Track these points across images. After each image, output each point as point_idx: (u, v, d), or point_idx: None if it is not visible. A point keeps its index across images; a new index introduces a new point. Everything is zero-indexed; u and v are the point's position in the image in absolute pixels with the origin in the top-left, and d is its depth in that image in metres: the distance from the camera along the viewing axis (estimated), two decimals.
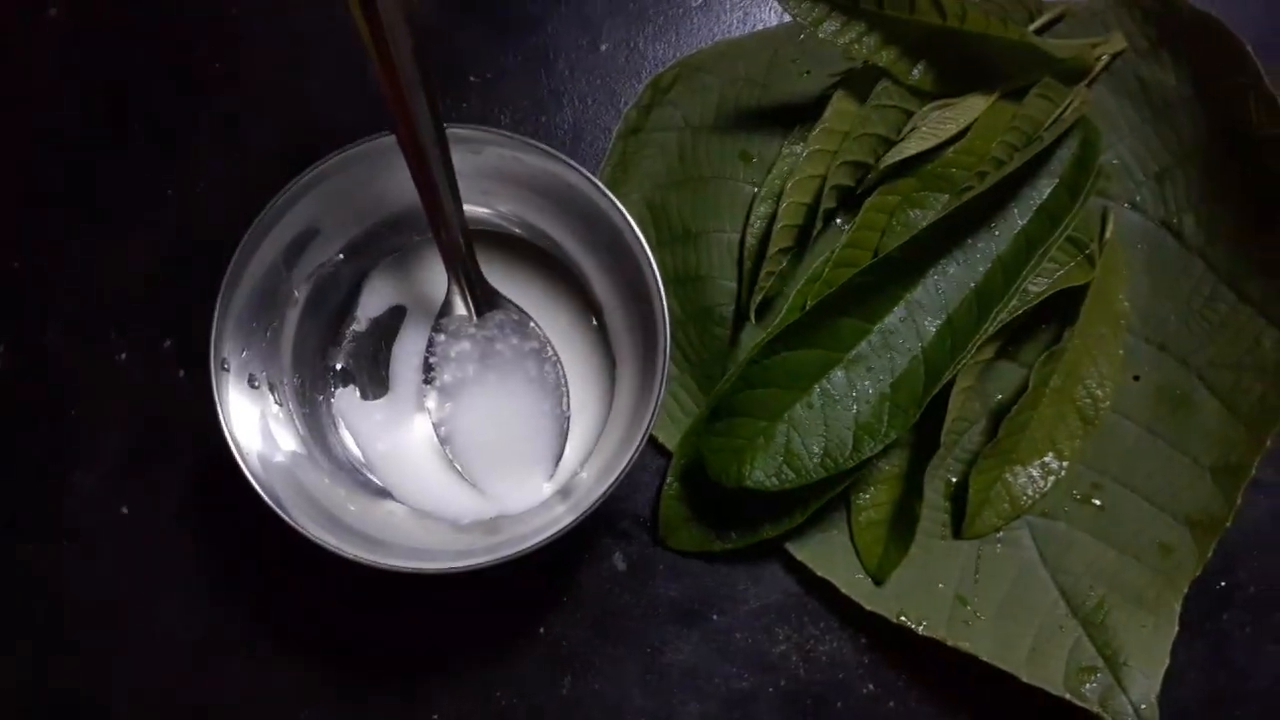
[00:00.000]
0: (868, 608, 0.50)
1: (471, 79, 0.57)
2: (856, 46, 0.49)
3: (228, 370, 0.45)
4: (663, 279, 0.44)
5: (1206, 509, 0.49)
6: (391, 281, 0.53)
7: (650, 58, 0.57)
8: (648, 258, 0.45)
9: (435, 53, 0.57)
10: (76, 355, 0.55)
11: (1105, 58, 0.52)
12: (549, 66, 0.57)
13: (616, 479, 0.43)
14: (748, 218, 0.52)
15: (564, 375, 0.51)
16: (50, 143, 0.58)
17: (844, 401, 0.48)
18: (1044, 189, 0.50)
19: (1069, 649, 0.49)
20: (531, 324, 0.51)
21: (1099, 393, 0.51)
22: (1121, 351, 0.52)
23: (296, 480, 0.46)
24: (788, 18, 0.50)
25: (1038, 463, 0.51)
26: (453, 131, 0.43)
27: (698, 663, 0.52)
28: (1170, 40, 0.51)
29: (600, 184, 0.45)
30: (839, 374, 0.48)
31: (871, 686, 0.52)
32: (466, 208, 0.46)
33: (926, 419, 0.48)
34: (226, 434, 0.44)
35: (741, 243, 0.53)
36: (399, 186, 0.44)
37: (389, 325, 0.53)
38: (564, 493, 0.50)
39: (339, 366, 0.52)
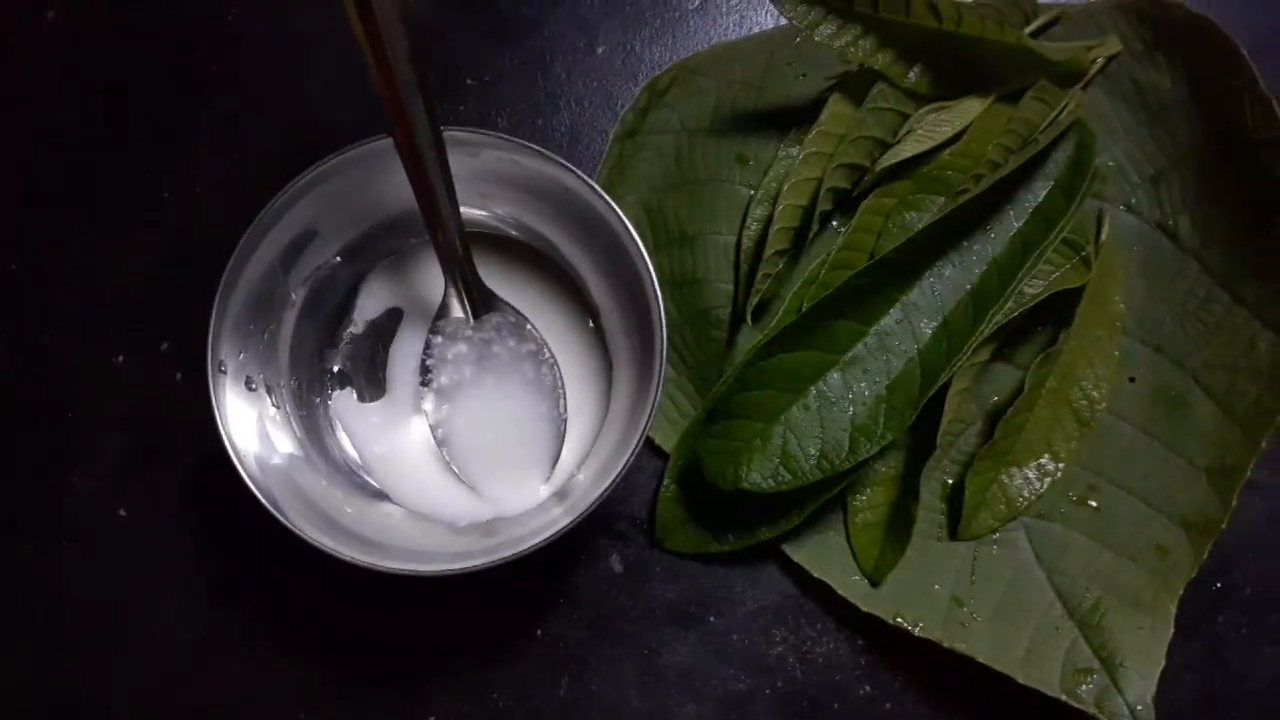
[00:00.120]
0: (864, 609, 0.50)
1: (469, 82, 0.57)
2: (852, 49, 0.49)
3: (225, 372, 0.45)
4: (659, 281, 0.45)
5: (1202, 510, 0.49)
6: (389, 284, 0.53)
7: (647, 61, 0.58)
8: (644, 260, 0.45)
9: (432, 56, 0.57)
10: (74, 357, 0.56)
11: (1101, 61, 0.52)
12: (546, 70, 0.57)
13: (613, 481, 0.43)
14: (744, 220, 0.52)
15: (561, 377, 0.51)
16: (49, 143, 0.58)
17: (840, 403, 0.48)
18: (1039, 191, 0.50)
19: (1065, 650, 0.49)
20: (528, 326, 0.51)
21: (1095, 394, 0.51)
22: (1117, 353, 0.52)
23: (294, 482, 0.46)
24: (784, 21, 0.51)
25: (1034, 464, 0.51)
26: (450, 134, 0.43)
27: (695, 664, 0.53)
28: (1166, 43, 0.51)
29: (597, 187, 0.45)
30: (835, 376, 0.48)
31: (868, 688, 0.52)
32: (463, 210, 0.46)
33: (922, 421, 0.48)
34: (223, 436, 0.44)
35: (738, 245, 0.53)
36: (396, 189, 0.44)
37: (386, 327, 0.53)
38: (561, 495, 0.50)
39: (336, 369, 0.52)
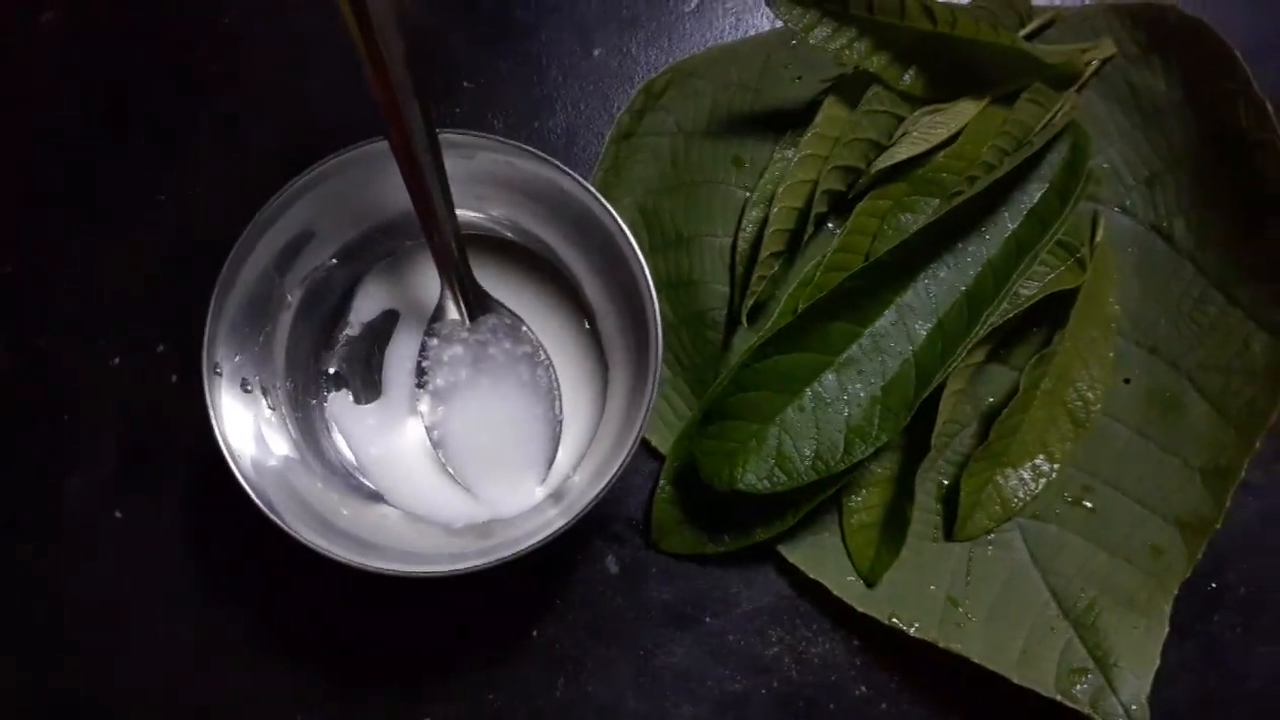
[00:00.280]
0: (860, 610, 0.50)
1: (465, 84, 0.57)
2: (847, 52, 0.49)
3: (220, 374, 0.45)
4: (655, 283, 0.45)
5: (1196, 511, 0.49)
6: (385, 286, 0.53)
7: (643, 63, 0.58)
8: (640, 262, 0.45)
9: (429, 58, 0.57)
10: (71, 358, 0.56)
11: (1095, 63, 0.52)
12: (542, 72, 0.57)
13: (609, 482, 0.43)
14: (739, 222, 0.52)
15: (556, 379, 0.51)
16: (47, 144, 0.58)
17: (835, 405, 0.48)
18: (1034, 193, 0.50)
19: (1060, 650, 0.49)
20: (524, 328, 0.51)
21: (1090, 395, 0.51)
22: (1112, 354, 0.52)
23: (289, 484, 0.46)
24: (779, 24, 0.51)
25: (1029, 465, 0.51)
26: (445, 137, 0.43)
27: (691, 665, 0.53)
28: (1160, 46, 0.51)
29: (593, 189, 0.45)
30: (830, 377, 0.48)
31: (864, 688, 0.52)
32: (459, 212, 0.46)
33: (917, 422, 0.49)
34: (219, 439, 0.44)
35: (733, 247, 0.53)
36: (392, 191, 0.44)
37: (382, 329, 0.53)
38: (556, 496, 0.50)
39: (332, 371, 0.52)
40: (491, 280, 0.51)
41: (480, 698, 0.53)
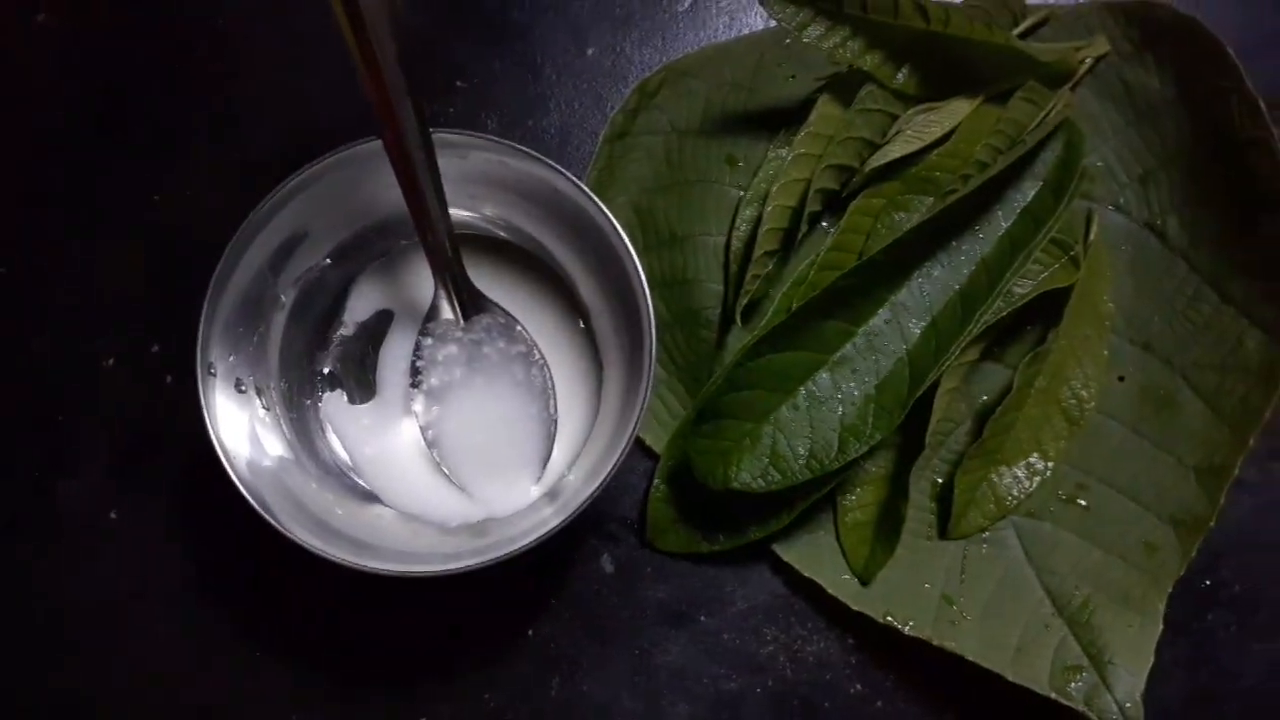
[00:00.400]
0: (854, 608, 0.50)
1: (459, 84, 0.57)
2: (841, 51, 0.49)
3: (214, 375, 0.45)
4: (649, 282, 0.45)
5: (1191, 509, 0.49)
6: (379, 286, 0.53)
7: (637, 63, 0.58)
8: (634, 261, 0.45)
9: (423, 58, 0.57)
10: (65, 360, 0.55)
11: (1089, 61, 0.52)
12: (536, 72, 0.57)
13: (604, 481, 0.43)
14: (733, 221, 0.53)
15: (551, 378, 0.51)
16: (42, 144, 0.58)
17: (829, 403, 0.48)
18: (1028, 191, 0.50)
19: (1054, 648, 0.49)
20: (518, 327, 0.51)
21: (1084, 393, 0.51)
22: (1106, 352, 0.52)
23: (284, 485, 0.46)
24: (773, 22, 0.51)
25: (1023, 463, 0.51)
26: (439, 136, 0.43)
27: (686, 664, 0.53)
28: (1154, 44, 0.51)
29: (586, 188, 0.45)
30: (824, 376, 0.48)
31: (859, 686, 0.52)
32: (453, 212, 0.46)
33: (912, 420, 0.49)
34: (213, 439, 0.44)
35: (727, 246, 0.53)
36: (386, 191, 0.44)
37: (376, 329, 0.53)
38: (551, 495, 0.50)
39: (326, 371, 0.52)
40: (485, 280, 0.51)
41: (477, 697, 0.53)
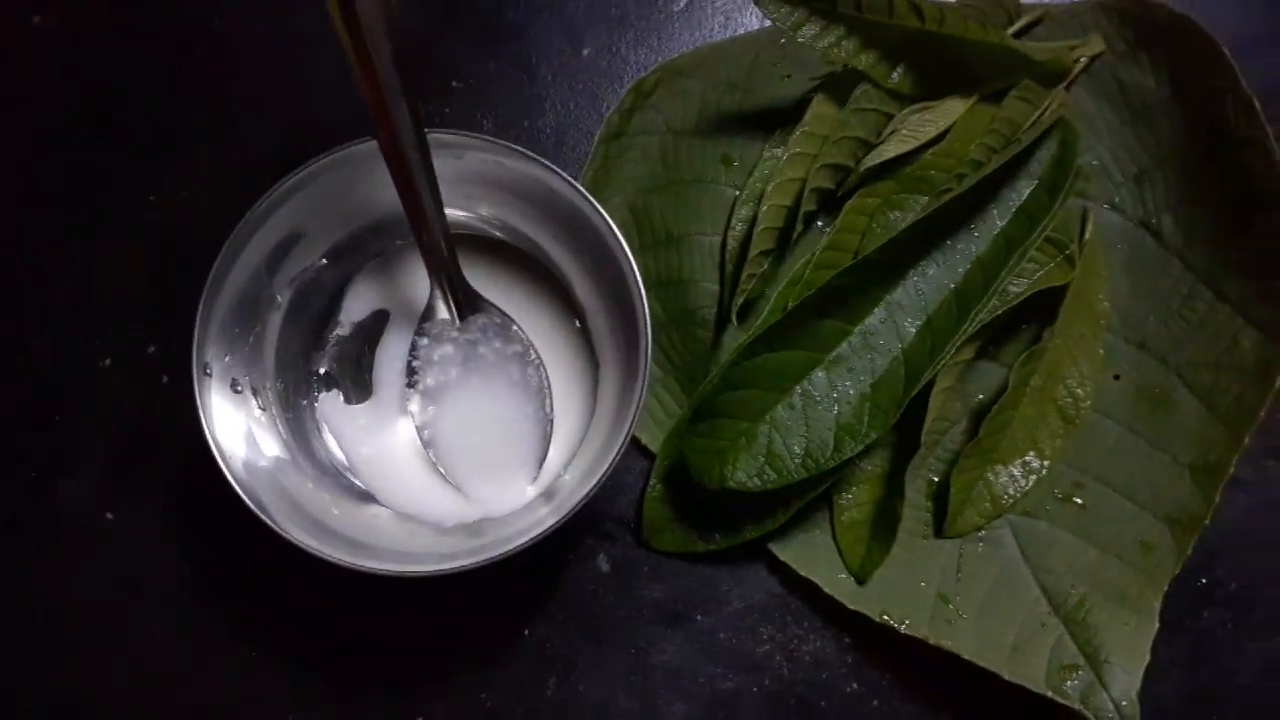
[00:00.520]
0: (851, 607, 0.50)
1: (454, 84, 0.57)
2: (836, 50, 0.50)
3: (210, 375, 0.45)
4: (645, 282, 0.45)
5: (1186, 507, 0.50)
6: (374, 286, 0.53)
7: (632, 62, 0.58)
8: (629, 261, 0.45)
9: (418, 58, 0.57)
10: (61, 360, 0.55)
11: (1084, 60, 0.52)
12: (531, 72, 0.57)
13: (599, 481, 0.43)
14: (729, 221, 0.53)
15: (547, 378, 0.51)
16: (39, 144, 0.58)
17: (825, 402, 0.48)
18: (1023, 190, 0.50)
19: (1050, 647, 0.49)
20: (514, 327, 0.51)
21: (1080, 392, 0.51)
22: (1102, 351, 0.52)
23: (280, 485, 0.46)
24: (768, 22, 0.51)
25: (1019, 462, 0.51)
26: (434, 136, 0.44)
27: (682, 663, 0.53)
28: (1148, 43, 0.51)
29: (582, 188, 0.45)
30: (820, 375, 0.48)
31: (855, 685, 0.52)
32: (449, 212, 0.46)
33: (907, 419, 0.49)
34: (210, 439, 0.44)
35: (723, 246, 0.53)
36: (382, 191, 0.44)
37: (372, 329, 0.53)
38: (547, 495, 0.50)
39: (322, 371, 0.52)
40: (481, 279, 0.51)
41: (473, 697, 0.53)
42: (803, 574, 0.51)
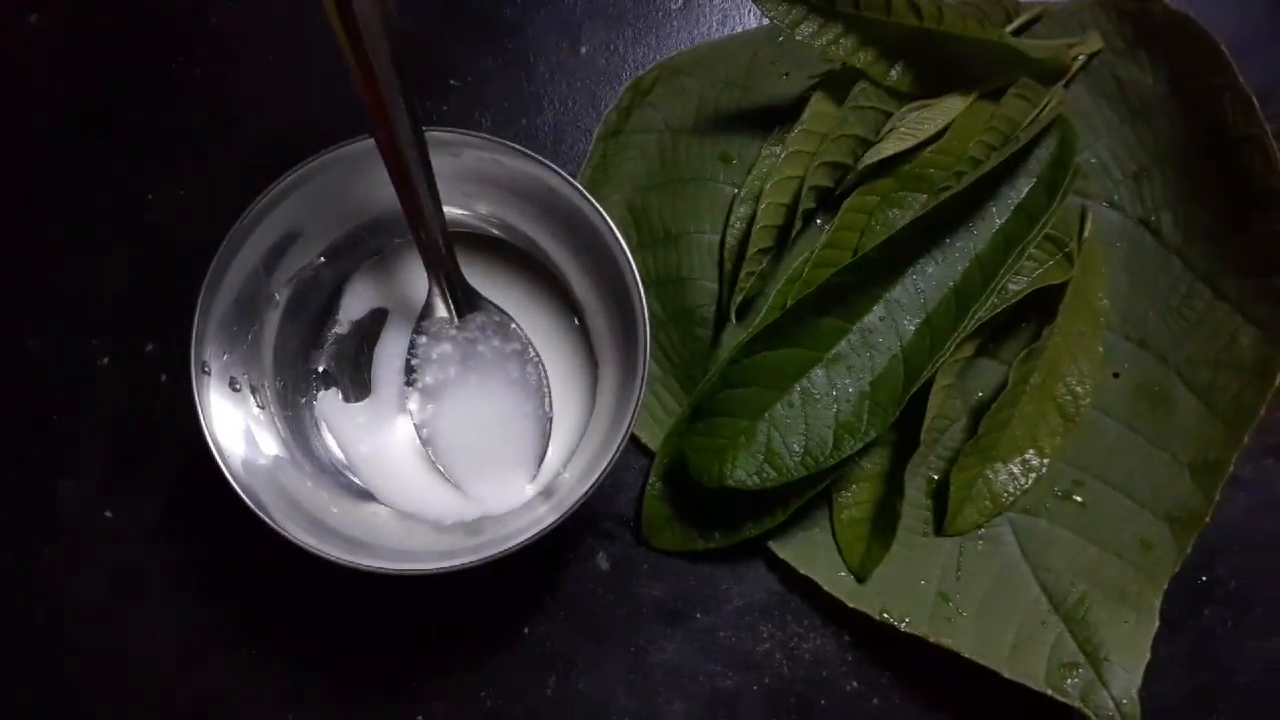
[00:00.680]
0: (850, 605, 0.50)
1: (452, 82, 0.57)
2: (834, 48, 0.49)
3: (208, 374, 0.45)
4: (643, 280, 0.45)
5: (1186, 505, 0.49)
6: (373, 284, 0.53)
7: (630, 61, 0.58)
8: (628, 259, 0.45)
9: (416, 57, 0.57)
10: (59, 359, 0.55)
11: (1082, 58, 0.52)
12: (529, 70, 0.57)
13: (598, 479, 0.43)
14: (728, 219, 0.53)
15: (546, 376, 0.51)
16: (36, 145, 0.58)
17: (824, 400, 0.48)
18: (1022, 188, 0.50)
19: (1050, 645, 0.49)
20: (513, 325, 0.51)
21: (1079, 390, 0.51)
22: (1101, 348, 0.52)
23: (279, 483, 0.46)
24: (766, 20, 0.51)
25: (1019, 460, 0.51)
26: (432, 135, 0.43)
27: (682, 662, 0.53)
28: (1147, 41, 0.51)
29: (580, 186, 0.45)
30: (819, 373, 0.48)
31: (855, 684, 0.52)
32: (447, 210, 0.46)
33: (907, 417, 0.49)
34: (208, 438, 0.44)
35: (722, 244, 0.53)
36: (380, 189, 0.44)
37: (370, 328, 0.53)
38: (547, 493, 0.50)
39: (321, 369, 0.52)
40: (480, 278, 0.51)
41: (472, 696, 0.53)
42: (802, 572, 0.51)
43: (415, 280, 0.52)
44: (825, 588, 0.51)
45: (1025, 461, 0.51)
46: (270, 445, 0.48)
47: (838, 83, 0.51)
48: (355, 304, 0.53)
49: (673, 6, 0.58)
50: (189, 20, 0.58)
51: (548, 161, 0.45)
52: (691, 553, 0.53)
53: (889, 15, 0.49)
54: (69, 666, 0.53)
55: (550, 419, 0.51)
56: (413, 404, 0.51)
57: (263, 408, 0.48)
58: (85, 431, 0.55)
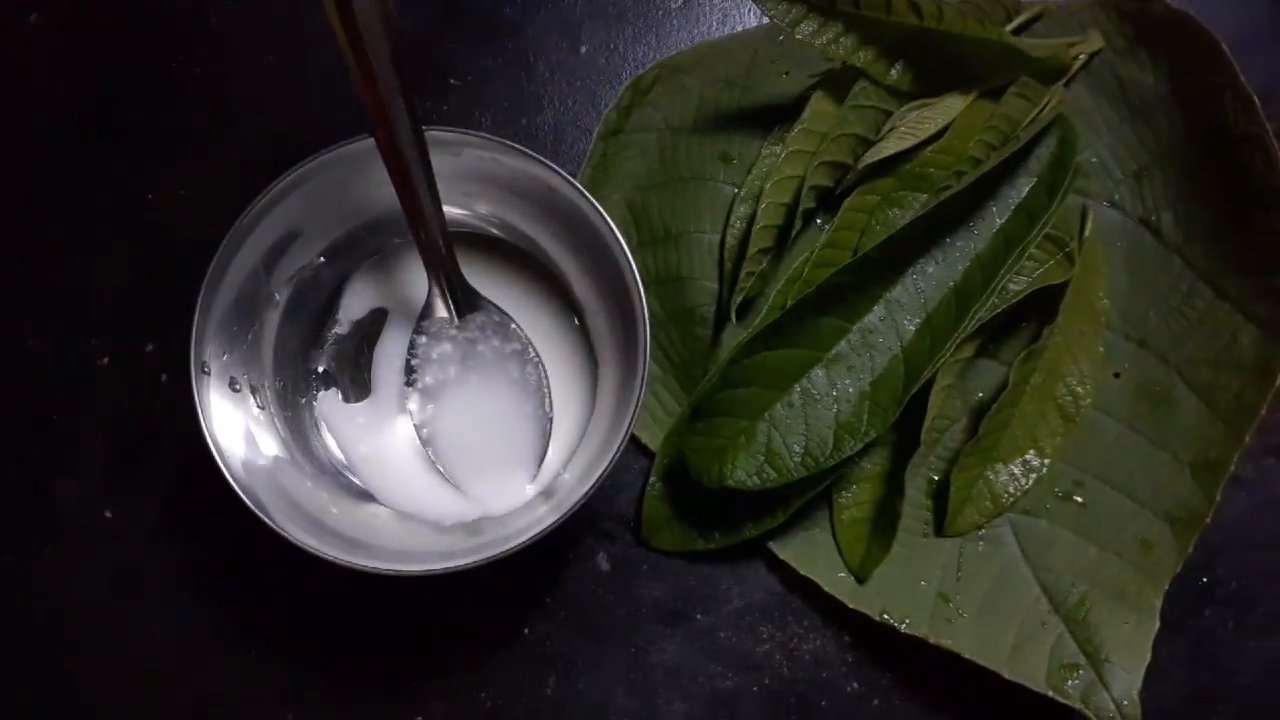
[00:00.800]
0: (851, 606, 0.50)
1: (452, 82, 0.57)
2: (834, 47, 0.49)
3: (208, 374, 0.45)
4: (643, 280, 0.45)
5: (1187, 505, 0.49)
6: (372, 284, 0.53)
7: (630, 60, 0.58)
8: (628, 259, 0.45)
9: (416, 56, 0.57)
10: (59, 359, 0.55)
11: (1083, 57, 0.52)
12: (529, 69, 0.57)
13: (599, 479, 0.43)
14: (728, 218, 0.52)
15: (546, 376, 0.51)
16: (35, 144, 0.58)
17: (824, 400, 0.48)
18: (1022, 188, 0.50)
19: (1051, 646, 0.49)
20: (513, 325, 0.51)
21: (1079, 390, 0.51)
22: (1101, 348, 0.52)
23: (279, 484, 0.46)
24: (767, 19, 0.51)
25: (1019, 460, 0.51)
26: (432, 134, 0.43)
27: (682, 662, 0.53)
28: (1147, 39, 0.51)
29: (580, 186, 0.45)
30: (819, 373, 0.48)
31: (855, 685, 0.52)
32: (447, 210, 0.46)
33: (907, 417, 0.49)
34: (208, 438, 0.44)
35: (722, 243, 0.53)
36: (380, 189, 0.44)
37: (370, 328, 0.53)
38: (547, 494, 0.50)
39: (321, 369, 0.52)
40: (480, 278, 0.51)
41: (472, 696, 0.53)
42: (803, 573, 0.51)
43: (415, 280, 0.52)
44: (825, 588, 0.51)
45: (1026, 462, 0.51)
46: (270, 445, 0.48)
47: (838, 82, 0.51)
48: (355, 304, 0.53)
49: (673, 5, 0.58)
50: (189, 20, 0.58)
51: (548, 161, 0.45)
52: (691, 553, 0.53)
53: (889, 14, 0.49)
54: (69, 666, 0.53)
55: (550, 419, 0.51)
56: (413, 404, 0.51)
57: (263, 408, 0.48)
58: (85, 431, 0.55)
